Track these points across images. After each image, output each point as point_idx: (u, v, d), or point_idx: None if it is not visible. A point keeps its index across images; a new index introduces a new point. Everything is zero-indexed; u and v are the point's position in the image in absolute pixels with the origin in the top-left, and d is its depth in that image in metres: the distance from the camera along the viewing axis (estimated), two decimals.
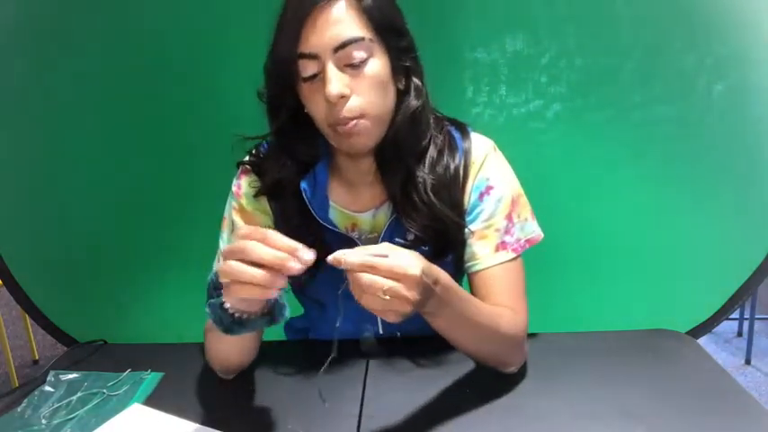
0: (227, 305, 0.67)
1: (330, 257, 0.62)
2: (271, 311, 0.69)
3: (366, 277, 0.61)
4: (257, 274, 0.60)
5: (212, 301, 0.68)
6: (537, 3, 1.08)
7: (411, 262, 0.63)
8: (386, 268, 0.61)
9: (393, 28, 0.79)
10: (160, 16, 1.13)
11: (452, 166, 0.85)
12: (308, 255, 0.61)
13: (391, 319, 0.63)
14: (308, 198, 0.83)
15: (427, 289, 0.65)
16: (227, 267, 0.61)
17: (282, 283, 0.61)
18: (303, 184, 0.83)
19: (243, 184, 0.90)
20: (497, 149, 0.91)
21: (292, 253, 0.60)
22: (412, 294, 0.62)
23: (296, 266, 0.60)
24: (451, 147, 0.87)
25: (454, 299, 0.71)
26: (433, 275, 0.66)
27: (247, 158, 0.91)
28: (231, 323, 0.68)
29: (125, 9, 1.12)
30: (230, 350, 0.84)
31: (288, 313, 0.69)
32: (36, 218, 1.24)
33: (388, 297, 0.61)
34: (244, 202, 0.90)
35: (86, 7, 1.13)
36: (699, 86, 1.07)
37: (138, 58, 1.15)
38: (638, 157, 1.13)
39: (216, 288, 0.68)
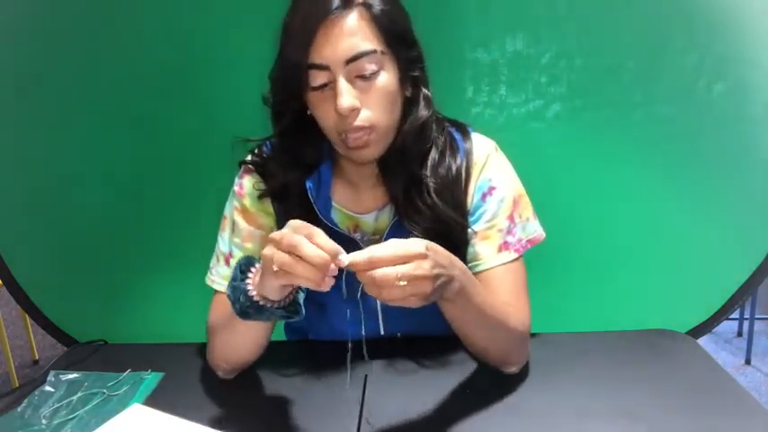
0: (250, 287, 0.68)
1: (348, 263, 0.63)
2: (287, 307, 0.69)
3: (377, 272, 0.61)
4: (309, 271, 0.61)
5: (236, 283, 0.69)
6: (537, 3, 1.08)
7: (412, 241, 0.63)
8: (390, 256, 0.61)
9: (403, 38, 0.79)
10: (161, 16, 1.13)
11: (454, 167, 0.85)
12: (346, 259, 0.62)
13: (416, 304, 0.64)
14: (313, 197, 0.83)
15: (440, 265, 0.65)
16: (279, 258, 0.62)
17: (329, 283, 0.62)
18: (308, 183, 0.83)
19: (245, 184, 0.90)
20: (499, 150, 0.91)
21: (335, 256, 0.62)
22: (427, 270, 0.62)
23: (335, 269, 0.62)
24: (453, 148, 0.87)
25: (471, 283, 0.72)
26: (447, 255, 0.67)
27: (249, 158, 0.91)
28: (248, 307, 0.69)
29: (126, 8, 1.12)
30: (243, 343, 0.83)
31: (303, 314, 0.70)
32: (36, 218, 1.24)
33: (404, 283, 0.61)
34: (246, 202, 0.90)
35: (88, 7, 1.13)
36: (699, 86, 1.07)
37: (138, 57, 1.15)
38: (638, 157, 1.13)
39: (242, 272, 0.69)
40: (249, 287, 0.68)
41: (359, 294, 0.65)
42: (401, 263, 0.61)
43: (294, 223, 0.64)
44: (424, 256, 0.63)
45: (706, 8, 1.05)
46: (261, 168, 0.88)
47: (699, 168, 1.11)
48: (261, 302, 0.68)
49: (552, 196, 1.08)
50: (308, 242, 0.61)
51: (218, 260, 0.91)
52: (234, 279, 0.70)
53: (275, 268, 0.63)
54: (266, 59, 0.81)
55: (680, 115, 1.10)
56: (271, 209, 0.89)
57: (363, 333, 0.70)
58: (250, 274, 0.69)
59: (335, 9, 0.73)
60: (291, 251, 0.61)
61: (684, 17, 1.06)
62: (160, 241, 1.24)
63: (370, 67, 0.75)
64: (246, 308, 0.69)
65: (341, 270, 0.63)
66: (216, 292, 0.90)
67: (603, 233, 1.17)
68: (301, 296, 0.71)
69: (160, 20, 1.13)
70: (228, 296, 0.70)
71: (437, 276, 0.64)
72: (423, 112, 0.82)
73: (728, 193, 1.11)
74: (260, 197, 0.88)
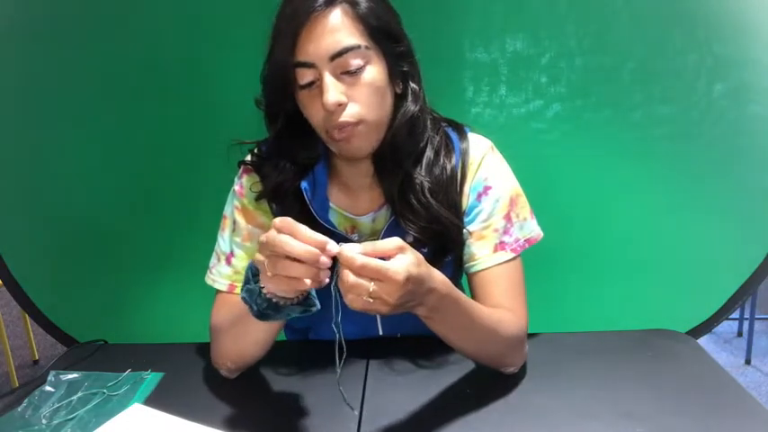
0: (266, 290, 0.67)
1: (339, 251, 0.62)
2: (304, 302, 0.69)
3: (351, 278, 0.61)
4: (297, 269, 0.61)
5: (250, 286, 0.69)
6: (537, 3, 1.08)
7: (399, 266, 0.61)
8: (373, 268, 0.60)
9: (389, 34, 0.79)
10: (160, 17, 1.13)
11: (449, 167, 0.85)
12: (335, 248, 0.62)
13: (369, 313, 0.63)
14: (309, 198, 0.83)
15: (412, 294, 0.64)
16: (271, 263, 0.62)
17: (325, 276, 0.62)
18: (304, 184, 0.83)
19: (244, 183, 0.90)
20: (495, 149, 0.91)
21: (322, 247, 0.61)
22: (392, 297, 0.61)
23: (327, 261, 0.61)
24: (448, 147, 0.87)
25: (450, 306, 0.71)
26: (428, 284, 0.65)
27: (249, 158, 0.91)
28: (266, 308, 0.68)
29: (125, 9, 1.12)
30: (250, 343, 0.82)
31: (319, 305, 0.69)
32: (36, 218, 1.24)
33: (372, 300, 0.61)
34: (245, 201, 0.90)
35: (87, 8, 1.13)
36: (699, 86, 1.08)
37: (138, 58, 1.15)
38: (637, 156, 1.13)
39: (254, 275, 0.69)
40: (264, 289, 0.68)
41: (332, 285, 0.64)
42: (379, 279, 0.61)
43: (276, 222, 0.63)
44: (400, 286, 0.61)
45: (706, 8, 1.05)
46: (258, 168, 0.88)
47: (699, 168, 1.11)
48: (278, 302, 0.68)
49: (552, 196, 1.08)
50: (293, 240, 0.61)
51: (218, 259, 0.91)
52: (246, 282, 0.70)
53: (269, 274, 0.62)
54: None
55: (680, 115, 1.10)
56: (269, 209, 0.89)
57: (337, 324, 0.68)
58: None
59: (318, 7, 0.73)
60: (279, 253, 0.61)
61: (684, 17, 1.06)
62: (160, 241, 1.24)
63: (355, 62, 0.75)
64: (264, 309, 0.68)
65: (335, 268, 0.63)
66: (218, 291, 0.90)
67: (603, 233, 1.17)
68: (312, 290, 0.70)
69: (159, 21, 1.13)
70: (244, 300, 0.70)
71: (398, 305, 0.63)
72: (411, 106, 0.82)
73: (728, 193, 1.11)
74: (257, 199, 0.88)
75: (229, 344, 0.84)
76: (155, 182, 1.22)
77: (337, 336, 0.68)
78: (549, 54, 1.10)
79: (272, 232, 0.62)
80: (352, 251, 0.61)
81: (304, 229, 0.62)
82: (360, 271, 0.61)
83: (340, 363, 0.68)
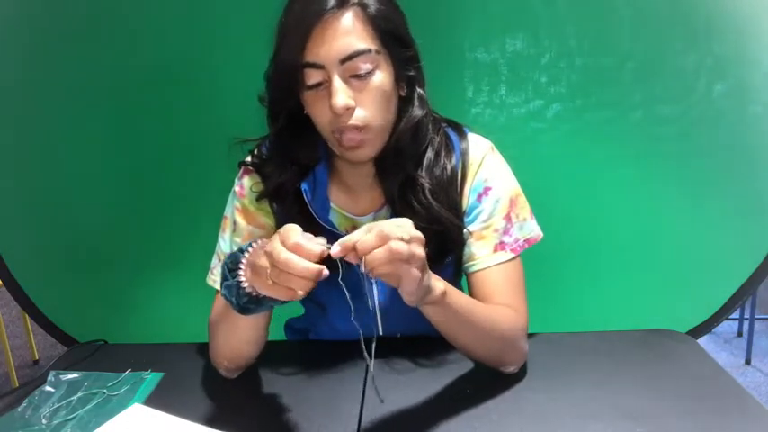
0: (245, 284, 0.67)
1: (338, 249, 0.62)
2: None
3: (386, 227, 0.60)
4: (298, 283, 0.60)
5: (228, 282, 0.69)
6: (537, 3, 1.08)
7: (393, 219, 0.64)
8: (389, 223, 0.62)
9: (399, 38, 0.79)
10: (160, 16, 1.13)
11: (449, 168, 0.85)
12: (335, 249, 0.62)
13: (413, 283, 0.63)
14: (309, 199, 0.83)
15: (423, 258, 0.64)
16: (273, 274, 0.62)
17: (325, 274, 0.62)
18: (304, 185, 0.83)
19: (245, 184, 0.90)
20: (495, 150, 0.91)
21: (321, 258, 0.61)
22: (414, 230, 0.63)
23: (327, 274, 0.61)
24: (448, 148, 0.87)
25: (452, 291, 0.72)
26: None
27: (249, 159, 0.91)
28: (247, 302, 0.68)
29: (125, 9, 1.12)
30: (242, 339, 0.83)
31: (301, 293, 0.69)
32: (36, 218, 1.24)
33: (408, 237, 0.61)
34: (246, 201, 0.90)
35: (86, 8, 1.13)
36: (699, 86, 1.08)
37: (137, 58, 1.15)
38: (638, 156, 1.13)
39: (231, 270, 0.69)
40: (243, 283, 0.67)
41: (373, 285, 0.64)
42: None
43: (281, 232, 0.63)
44: (412, 224, 0.63)
45: (706, 8, 1.05)
46: (259, 169, 0.88)
47: (699, 168, 1.11)
48: (258, 294, 0.67)
49: (552, 196, 1.08)
50: (297, 259, 0.60)
51: (219, 260, 0.91)
52: (224, 279, 0.70)
53: (270, 282, 0.62)
54: (267, 59, 0.81)
55: (680, 115, 1.10)
56: (270, 209, 0.89)
57: (381, 332, 0.69)
58: (240, 271, 0.68)
59: (330, 9, 0.73)
60: (283, 269, 0.60)
61: (684, 17, 1.06)
62: (160, 242, 1.24)
63: (364, 66, 0.75)
64: (245, 303, 0.68)
65: (338, 269, 0.63)
66: (218, 291, 0.90)
67: (603, 233, 1.17)
68: None
69: (159, 21, 1.13)
70: (225, 296, 0.70)
71: (423, 244, 0.63)
72: (417, 111, 0.82)
73: (728, 193, 1.11)
74: (258, 199, 0.88)
75: (222, 342, 0.85)
76: (155, 182, 1.22)
77: (364, 348, 0.68)
78: (549, 54, 1.10)
79: (278, 245, 0.62)
80: (362, 231, 0.62)
81: (307, 246, 0.61)
82: (390, 235, 0.60)
83: (370, 365, 0.67)
